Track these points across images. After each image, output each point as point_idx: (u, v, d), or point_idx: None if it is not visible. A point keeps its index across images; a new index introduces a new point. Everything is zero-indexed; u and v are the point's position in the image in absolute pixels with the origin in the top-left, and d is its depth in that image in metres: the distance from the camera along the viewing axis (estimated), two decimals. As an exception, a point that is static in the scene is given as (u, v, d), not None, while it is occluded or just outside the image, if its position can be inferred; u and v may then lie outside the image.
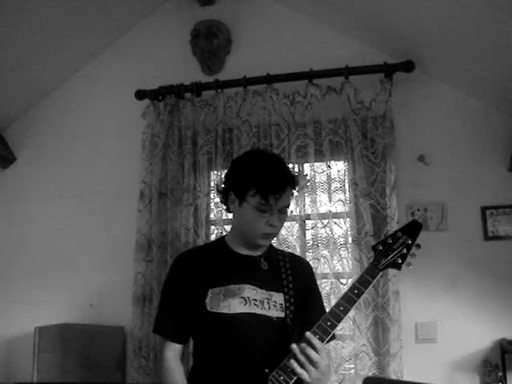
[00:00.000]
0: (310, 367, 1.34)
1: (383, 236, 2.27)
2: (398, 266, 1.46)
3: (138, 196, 2.57)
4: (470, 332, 2.30)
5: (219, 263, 1.59)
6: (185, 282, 1.58)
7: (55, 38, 2.61)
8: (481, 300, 2.33)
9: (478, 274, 2.34)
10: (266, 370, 1.40)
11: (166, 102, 2.63)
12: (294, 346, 1.36)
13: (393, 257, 1.46)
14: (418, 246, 1.49)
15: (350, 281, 2.35)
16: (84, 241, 2.76)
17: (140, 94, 2.67)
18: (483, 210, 2.40)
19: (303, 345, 1.35)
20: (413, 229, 1.49)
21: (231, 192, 1.56)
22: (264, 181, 1.47)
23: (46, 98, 2.98)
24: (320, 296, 1.69)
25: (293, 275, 1.59)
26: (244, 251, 1.60)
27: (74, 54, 2.82)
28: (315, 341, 1.35)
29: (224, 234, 2.46)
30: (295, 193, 1.63)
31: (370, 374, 2.22)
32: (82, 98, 2.93)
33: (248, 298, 1.51)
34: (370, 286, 1.44)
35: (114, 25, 2.81)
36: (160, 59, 2.83)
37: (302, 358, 1.34)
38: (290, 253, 1.75)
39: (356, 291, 1.42)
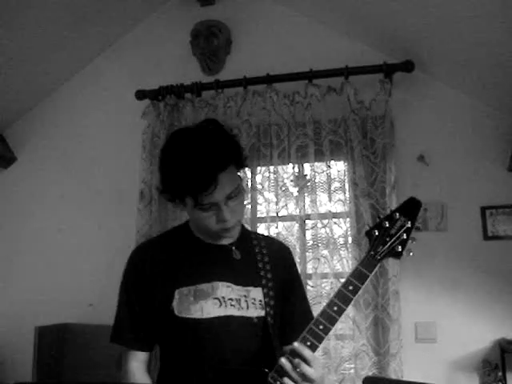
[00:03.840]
0: (303, 382, 1.16)
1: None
2: (398, 255, 1.24)
3: (137, 196, 2.57)
4: (470, 332, 2.31)
5: (185, 256, 1.35)
6: (145, 280, 1.32)
7: (55, 39, 2.62)
8: (480, 300, 2.33)
9: (477, 273, 2.34)
10: (266, 370, 1.24)
11: (166, 102, 2.63)
12: (283, 360, 1.16)
13: (391, 244, 1.24)
14: (418, 228, 1.27)
15: (349, 281, 2.35)
16: (84, 241, 2.76)
17: (140, 94, 2.67)
18: (483, 209, 2.40)
19: (296, 360, 1.15)
20: (411, 208, 1.26)
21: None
22: (188, 182, 1.20)
23: (46, 98, 2.98)
24: (301, 285, 1.49)
25: (270, 263, 1.37)
26: (212, 240, 1.36)
27: (75, 54, 2.82)
28: (305, 352, 1.15)
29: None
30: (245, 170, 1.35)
31: (370, 374, 2.22)
32: (82, 99, 2.94)
33: (223, 297, 1.30)
34: (368, 281, 1.22)
35: (114, 25, 2.81)
36: (160, 59, 2.83)
37: (293, 374, 1.15)
38: (265, 236, 1.53)
39: (351, 287, 1.20)
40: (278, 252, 1.44)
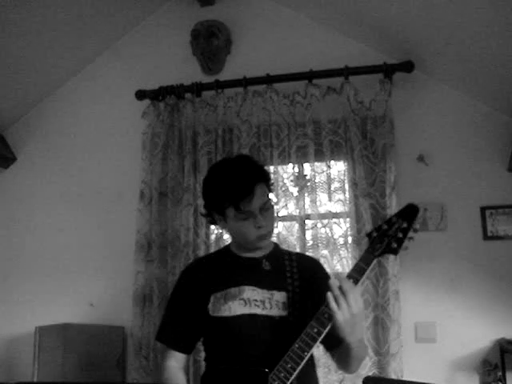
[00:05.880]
0: (344, 305, 1.29)
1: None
2: (394, 251, 1.39)
3: (138, 196, 2.57)
4: (470, 332, 2.31)
5: (222, 268, 1.60)
6: (189, 291, 1.59)
7: (55, 39, 2.62)
8: (480, 300, 2.33)
9: (477, 273, 2.34)
10: (266, 370, 1.37)
11: (166, 102, 2.63)
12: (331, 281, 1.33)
13: (388, 242, 1.40)
14: (416, 229, 1.41)
15: (349, 281, 2.36)
16: (84, 241, 2.76)
17: (140, 94, 2.67)
18: (483, 209, 2.40)
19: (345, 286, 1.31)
20: (409, 212, 1.42)
21: (213, 212, 1.56)
22: (229, 192, 1.46)
23: (47, 98, 2.98)
24: None
25: (299, 273, 1.56)
26: (247, 254, 1.59)
27: (75, 54, 2.82)
28: (346, 283, 1.32)
29: (227, 241, 2.47)
30: (271, 190, 1.57)
31: (370, 374, 2.22)
32: (83, 99, 2.94)
33: (248, 299, 1.50)
34: (366, 274, 1.38)
35: (114, 25, 2.81)
36: (160, 59, 2.83)
37: (336, 292, 1.30)
38: (297, 253, 1.72)
39: (352, 280, 1.36)
40: (308, 265, 1.62)
